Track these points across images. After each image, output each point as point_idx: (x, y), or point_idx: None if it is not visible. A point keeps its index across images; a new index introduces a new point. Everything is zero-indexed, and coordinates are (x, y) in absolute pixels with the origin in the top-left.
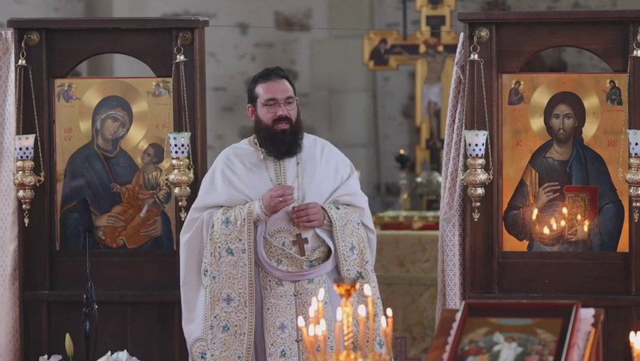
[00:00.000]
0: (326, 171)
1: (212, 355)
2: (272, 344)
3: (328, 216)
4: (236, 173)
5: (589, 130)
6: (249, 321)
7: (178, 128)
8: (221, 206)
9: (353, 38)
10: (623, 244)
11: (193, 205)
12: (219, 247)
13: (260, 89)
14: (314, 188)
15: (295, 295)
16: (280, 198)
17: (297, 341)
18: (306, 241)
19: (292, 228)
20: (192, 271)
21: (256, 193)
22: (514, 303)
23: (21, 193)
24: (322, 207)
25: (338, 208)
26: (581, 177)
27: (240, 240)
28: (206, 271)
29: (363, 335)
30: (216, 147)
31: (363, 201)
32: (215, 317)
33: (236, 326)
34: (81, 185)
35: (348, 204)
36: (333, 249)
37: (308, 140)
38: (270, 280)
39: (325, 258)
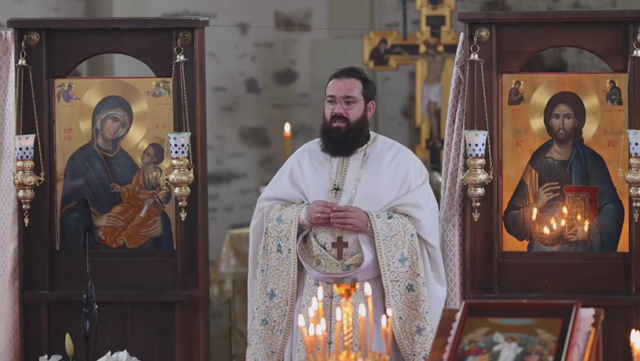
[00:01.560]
0: (391, 178)
1: (250, 345)
2: (301, 341)
3: (371, 225)
4: (302, 168)
5: (589, 130)
6: (287, 319)
7: (178, 128)
8: (281, 199)
9: (353, 38)
10: (623, 244)
11: (261, 195)
12: (272, 243)
13: (328, 86)
14: (370, 193)
15: (332, 297)
16: (319, 215)
17: (329, 343)
18: (345, 245)
19: (335, 230)
20: (256, 260)
21: (313, 190)
22: (514, 303)
23: (21, 193)
24: (367, 215)
25: (390, 217)
26: (580, 177)
27: (288, 239)
28: (258, 263)
29: (363, 335)
30: (216, 147)
31: (425, 215)
32: (256, 309)
33: (275, 321)
34: (81, 185)
35: (406, 214)
36: (368, 258)
37: (383, 144)
38: (309, 279)
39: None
